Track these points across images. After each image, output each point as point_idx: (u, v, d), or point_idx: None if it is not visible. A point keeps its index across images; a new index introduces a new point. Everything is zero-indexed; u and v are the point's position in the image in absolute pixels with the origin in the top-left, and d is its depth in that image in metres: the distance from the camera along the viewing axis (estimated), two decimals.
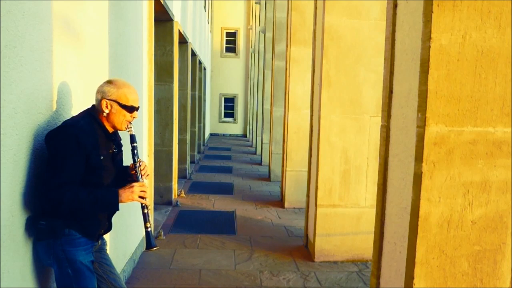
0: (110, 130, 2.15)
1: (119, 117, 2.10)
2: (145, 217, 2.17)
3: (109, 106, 2.07)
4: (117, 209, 2.04)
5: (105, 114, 2.08)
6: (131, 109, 2.11)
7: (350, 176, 4.26)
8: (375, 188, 3.86)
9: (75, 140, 1.92)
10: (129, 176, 2.29)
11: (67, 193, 1.89)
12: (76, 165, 1.93)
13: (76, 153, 1.92)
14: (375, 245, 2.12)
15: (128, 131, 2.18)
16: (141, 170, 2.19)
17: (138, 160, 2.22)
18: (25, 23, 1.83)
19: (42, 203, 1.97)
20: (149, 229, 2.20)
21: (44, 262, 2.02)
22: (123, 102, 2.08)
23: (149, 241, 2.21)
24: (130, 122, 2.15)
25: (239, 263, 4.17)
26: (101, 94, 2.07)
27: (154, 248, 2.22)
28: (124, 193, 2.03)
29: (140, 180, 2.16)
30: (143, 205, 2.14)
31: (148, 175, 2.24)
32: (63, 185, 1.89)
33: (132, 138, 2.20)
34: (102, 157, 2.05)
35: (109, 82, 2.11)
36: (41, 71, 2.00)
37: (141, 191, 2.08)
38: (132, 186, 2.06)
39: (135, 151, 2.22)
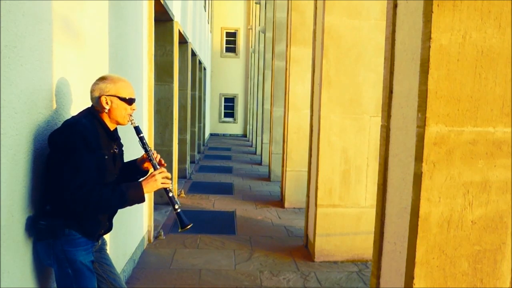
0: (112, 127, 2.14)
1: (121, 111, 2.10)
2: (172, 200, 2.22)
3: (109, 102, 2.06)
4: (144, 201, 2.06)
5: (106, 111, 2.07)
6: (130, 101, 2.11)
7: (350, 176, 4.26)
8: (375, 188, 3.85)
9: (82, 139, 1.91)
10: (137, 169, 2.29)
11: (92, 193, 1.89)
12: (88, 162, 1.92)
13: (86, 150, 1.92)
14: (375, 245, 2.12)
15: (132, 124, 2.18)
16: (155, 158, 2.21)
17: (150, 148, 2.23)
18: (25, 23, 1.83)
19: (49, 204, 1.96)
20: (179, 210, 2.23)
21: (44, 262, 2.02)
22: (122, 95, 2.08)
23: (182, 220, 2.24)
24: (131, 115, 2.15)
25: (239, 263, 4.17)
26: (99, 91, 2.06)
27: (188, 226, 2.25)
28: (148, 184, 2.06)
29: (158, 167, 2.18)
30: (167, 189, 2.17)
31: (164, 164, 2.25)
32: (84, 185, 1.88)
33: (137, 130, 2.20)
34: (106, 157, 2.05)
35: (104, 78, 2.10)
36: (41, 71, 2.00)
37: (162, 177, 2.11)
38: (154, 175, 2.09)
39: (144, 141, 2.23)
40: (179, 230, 2.31)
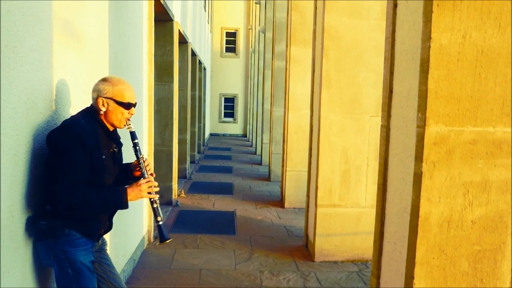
0: (110, 128, 2.14)
1: (117, 115, 2.09)
2: (155, 212, 2.19)
3: (105, 104, 2.06)
4: (127, 207, 2.04)
5: (102, 113, 2.07)
6: (128, 106, 2.10)
7: (350, 176, 4.26)
8: (375, 188, 3.85)
9: (78, 139, 1.91)
10: (131, 173, 2.29)
11: (76, 194, 1.89)
12: (81, 164, 1.93)
13: (80, 152, 1.92)
14: (375, 245, 2.12)
15: (128, 128, 2.17)
16: (145, 166, 2.20)
17: (141, 156, 2.22)
18: (25, 23, 1.83)
19: (48, 204, 1.95)
20: (160, 223, 2.20)
21: (44, 262, 2.02)
22: (119, 99, 2.07)
23: (162, 234, 2.21)
24: (128, 119, 2.14)
25: (239, 263, 4.17)
26: (97, 93, 2.06)
27: (168, 241, 2.23)
28: (132, 192, 2.04)
29: (146, 176, 2.17)
30: (152, 200, 2.16)
31: (152, 174, 2.24)
32: (71, 186, 1.88)
33: (133, 135, 2.20)
34: (104, 157, 2.04)
35: (104, 80, 2.10)
36: (41, 71, 2.00)
37: (148, 187, 2.09)
38: (140, 184, 2.07)
39: (137, 147, 2.22)
40: (158, 243, 2.30)
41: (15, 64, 1.76)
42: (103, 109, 2.06)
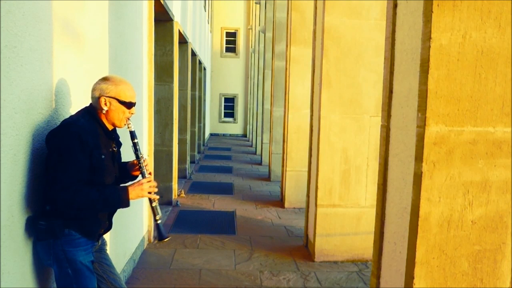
0: (110, 127, 2.14)
1: (119, 114, 2.09)
2: (154, 210, 2.21)
3: (108, 103, 2.06)
4: (128, 205, 2.05)
5: (104, 112, 2.07)
6: (129, 105, 2.11)
7: (350, 176, 4.26)
8: (375, 188, 3.86)
9: (78, 139, 1.91)
10: (128, 172, 2.29)
11: (77, 193, 1.89)
12: (81, 163, 1.93)
13: (80, 151, 1.92)
14: (375, 245, 2.12)
15: (128, 128, 2.18)
16: (145, 166, 2.21)
17: (141, 155, 2.22)
18: (25, 23, 1.83)
19: (48, 204, 1.96)
20: (159, 222, 2.22)
21: (44, 262, 2.02)
22: (122, 98, 2.08)
23: (160, 232, 2.24)
24: (128, 119, 2.15)
25: (239, 263, 4.17)
26: (99, 92, 2.06)
27: (166, 239, 2.25)
28: (133, 190, 2.05)
29: (146, 175, 2.18)
30: (151, 199, 2.17)
31: (150, 173, 2.25)
32: (71, 185, 1.88)
33: (132, 135, 2.21)
34: (103, 156, 2.05)
35: (105, 79, 2.10)
36: (41, 71, 2.00)
37: (149, 186, 2.11)
38: (142, 184, 2.09)
39: (137, 147, 2.23)
40: (156, 242, 2.32)
41: (15, 64, 1.76)
42: (105, 108, 2.06)
